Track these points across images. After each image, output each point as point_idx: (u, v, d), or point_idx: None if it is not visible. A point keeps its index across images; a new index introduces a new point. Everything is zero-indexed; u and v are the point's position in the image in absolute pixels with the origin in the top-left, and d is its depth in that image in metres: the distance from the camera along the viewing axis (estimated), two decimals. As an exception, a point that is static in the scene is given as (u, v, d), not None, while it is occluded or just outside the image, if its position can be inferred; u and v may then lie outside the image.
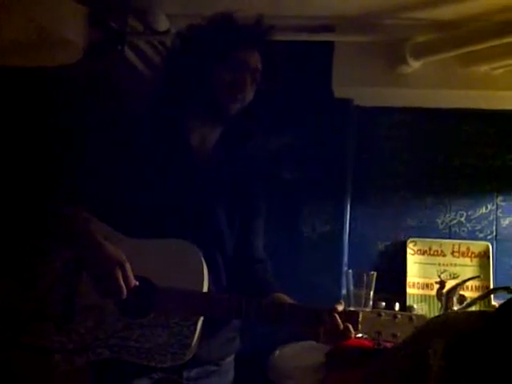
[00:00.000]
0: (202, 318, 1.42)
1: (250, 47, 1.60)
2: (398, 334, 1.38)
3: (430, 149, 2.74)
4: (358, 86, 2.61)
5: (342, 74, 2.56)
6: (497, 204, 2.66)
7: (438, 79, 2.51)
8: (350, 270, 2.31)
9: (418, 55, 2.44)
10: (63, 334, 1.40)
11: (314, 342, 1.55)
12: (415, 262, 2.63)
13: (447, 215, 2.70)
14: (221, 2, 1.67)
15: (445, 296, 2.39)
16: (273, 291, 1.56)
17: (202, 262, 1.43)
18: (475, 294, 2.47)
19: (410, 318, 1.40)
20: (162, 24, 2.34)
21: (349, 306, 2.10)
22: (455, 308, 2.34)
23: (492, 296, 2.43)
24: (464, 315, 1.39)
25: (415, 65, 2.48)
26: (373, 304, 2.23)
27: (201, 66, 1.57)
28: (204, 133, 1.63)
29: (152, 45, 2.48)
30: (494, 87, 2.51)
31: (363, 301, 2.23)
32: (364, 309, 2.05)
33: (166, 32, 2.38)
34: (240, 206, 1.62)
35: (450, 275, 2.58)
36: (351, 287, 2.26)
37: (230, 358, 1.63)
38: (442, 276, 2.57)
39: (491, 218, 2.66)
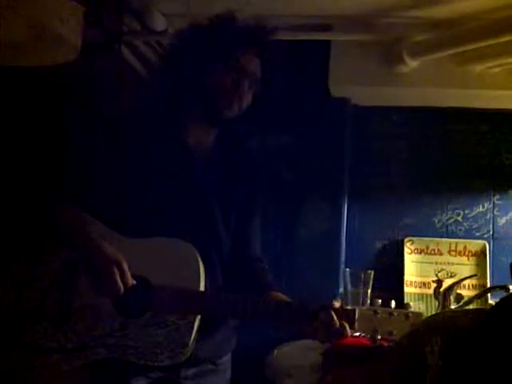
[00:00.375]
0: (199, 317, 1.42)
1: (250, 51, 1.59)
2: (395, 332, 1.39)
3: (427, 148, 2.74)
4: (355, 85, 2.61)
5: (338, 73, 2.56)
6: (493, 203, 2.67)
7: (434, 78, 2.51)
8: (348, 269, 2.31)
9: (414, 54, 2.44)
10: (61, 333, 1.40)
11: (311, 341, 1.56)
12: (412, 261, 2.64)
13: (444, 214, 2.70)
14: (218, 2, 1.67)
15: (442, 295, 2.39)
16: (270, 290, 1.56)
17: (198, 261, 1.43)
18: (472, 293, 2.48)
19: (407, 316, 1.40)
20: (159, 24, 2.34)
21: (346, 305, 2.08)
22: (452, 307, 2.34)
23: (489, 295, 2.44)
24: (460, 313, 1.40)
25: (412, 64, 2.48)
26: (370, 303, 2.23)
27: (199, 68, 1.56)
28: (201, 133, 1.62)
29: (149, 45, 2.48)
30: (491, 86, 2.52)
31: (360, 299, 2.23)
32: (361, 307, 2.05)
33: (164, 32, 2.38)
34: (237, 205, 1.62)
35: (447, 274, 2.58)
36: (349, 286, 2.26)
37: (227, 357, 1.63)
38: (439, 275, 2.57)
39: (488, 216, 2.67)
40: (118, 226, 1.44)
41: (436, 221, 2.70)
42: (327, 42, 2.55)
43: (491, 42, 2.23)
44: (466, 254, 2.62)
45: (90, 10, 2.00)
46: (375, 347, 1.79)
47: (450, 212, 2.70)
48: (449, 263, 2.61)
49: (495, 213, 2.66)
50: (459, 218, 2.69)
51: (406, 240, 2.67)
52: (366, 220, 2.73)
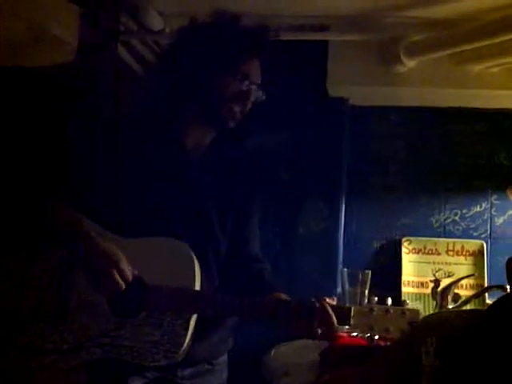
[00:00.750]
0: (194, 317, 1.42)
1: (250, 53, 1.58)
2: (391, 328, 1.38)
3: (425, 148, 2.74)
4: (353, 85, 2.60)
5: (336, 73, 2.56)
6: (491, 202, 2.67)
7: (432, 78, 2.51)
8: (345, 269, 2.31)
9: (412, 54, 2.43)
10: (57, 334, 1.40)
11: (308, 341, 1.55)
12: (410, 261, 2.64)
13: (442, 214, 2.70)
14: (216, 1, 1.66)
15: (439, 294, 2.39)
16: (269, 290, 1.55)
17: (193, 261, 1.43)
18: (470, 293, 2.48)
19: (403, 312, 1.40)
20: (157, 23, 2.34)
21: (344, 305, 2.10)
22: (450, 306, 2.35)
23: (486, 294, 2.44)
24: (456, 314, 1.40)
25: (409, 64, 2.48)
26: (368, 302, 2.23)
27: (199, 69, 1.55)
28: (199, 134, 1.62)
29: (147, 44, 2.47)
30: (489, 86, 2.52)
31: (358, 299, 2.23)
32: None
33: (161, 31, 2.37)
34: (234, 206, 1.62)
35: (445, 274, 2.58)
36: (346, 286, 2.27)
37: (224, 357, 1.63)
38: (437, 274, 2.57)
39: (485, 216, 2.67)
40: (114, 226, 1.44)
41: (434, 220, 2.70)
42: (325, 42, 2.55)
43: (489, 41, 2.23)
44: (464, 253, 2.62)
45: (86, 10, 2.00)
46: (372, 347, 1.79)
47: (448, 212, 2.70)
48: (446, 263, 2.61)
49: (493, 213, 2.66)
50: (457, 218, 2.69)
51: (403, 240, 2.67)
52: (364, 220, 2.73)
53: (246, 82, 1.56)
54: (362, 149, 2.76)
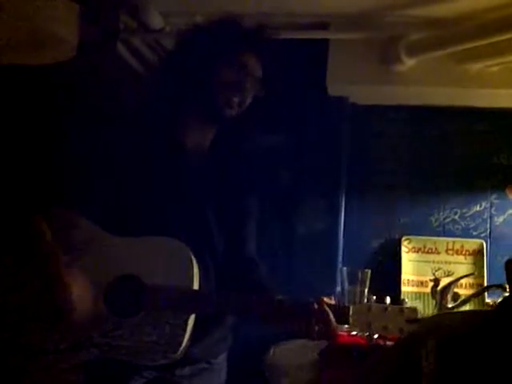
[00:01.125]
0: (193, 316, 1.41)
1: (250, 51, 1.59)
2: (389, 326, 1.38)
3: (425, 147, 2.74)
4: (353, 84, 2.60)
5: (336, 71, 2.56)
6: (491, 202, 2.67)
7: (432, 77, 2.51)
8: (345, 268, 2.31)
9: (412, 53, 2.44)
10: (55, 334, 1.40)
11: (308, 340, 1.55)
12: (409, 260, 2.64)
13: (441, 213, 2.70)
14: (215, 0, 1.66)
15: (439, 293, 2.39)
16: (265, 291, 1.54)
17: (191, 260, 1.42)
18: (469, 292, 2.48)
19: (401, 310, 1.40)
20: (156, 22, 2.34)
21: (343, 303, 2.10)
22: (449, 305, 2.35)
23: (486, 293, 2.44)
24: (457, 316, 1.40)
25: (409, 62, 2.48)
26: (367, 302, 2.23)
27: (200, 67, 1.56)
28: (199, 134, 1.62)
29: (147, 43, 2.47)
30: (489, 85, 2.52)
31: (358, 298, 2.23)
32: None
33: (161, 30, 2.37)
34: (232, 206, 1.62)
35: (445, 273, 2.58)
36: (346, 285, 2.27)
37: (223, 356, 1.63)
38: (437, 274, 2.58)
39: (485, 215, 2.67)
40: (112, 225, 1.44)
41: (433, 220, 2.70)
42: (325, 41, 2.55)
43: (489, 40, 2.23)
44: (463, 252, 2.62)
45: (87, 9, 2.00)
46: (371, 346, 1.79)
47: (448, 211, 2.70)
48: (446, 262, 2.61)
49: (492, 212, 2.66)
50: (456, 217, 2.69)
51: (403, 239, 2.67)
52: (364, 219, 2.73)
53: (243, 72, 1.56)
54: (362, 147, 2.76)
